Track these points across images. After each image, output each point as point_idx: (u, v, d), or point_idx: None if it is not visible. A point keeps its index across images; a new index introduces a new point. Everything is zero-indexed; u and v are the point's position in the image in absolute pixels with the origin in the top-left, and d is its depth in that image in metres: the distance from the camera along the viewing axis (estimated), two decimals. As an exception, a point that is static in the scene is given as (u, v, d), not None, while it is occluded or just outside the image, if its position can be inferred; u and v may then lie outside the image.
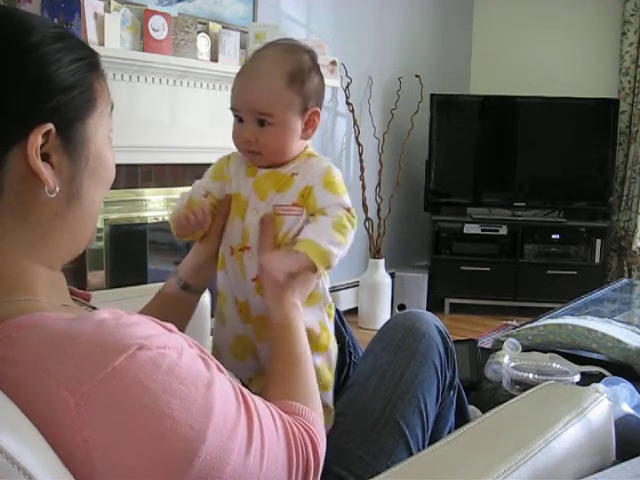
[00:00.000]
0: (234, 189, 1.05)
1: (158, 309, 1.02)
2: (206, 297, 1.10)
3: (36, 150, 0.64)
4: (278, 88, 0.98)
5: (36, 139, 0.64)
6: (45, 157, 0.66)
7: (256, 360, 1.06)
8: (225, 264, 1.04)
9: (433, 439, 1.07)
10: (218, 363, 0.69)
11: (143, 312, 0.97)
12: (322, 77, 1.04)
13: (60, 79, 0.66)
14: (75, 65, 0.68)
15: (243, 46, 2.94)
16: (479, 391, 1.60)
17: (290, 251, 0.96)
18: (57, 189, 0.67)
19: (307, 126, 1.03)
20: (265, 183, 1.01)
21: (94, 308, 0.81)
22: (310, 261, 0.95)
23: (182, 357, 0.62)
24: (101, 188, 0.74)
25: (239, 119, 1.00)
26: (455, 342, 1.45)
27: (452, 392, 1.17)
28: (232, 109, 1.01)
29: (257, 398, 0.72)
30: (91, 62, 0.71)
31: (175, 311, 1.04)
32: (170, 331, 0.66)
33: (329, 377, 1.05)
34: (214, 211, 1.06)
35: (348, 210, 1.01)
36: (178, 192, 2.51)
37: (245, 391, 0.70)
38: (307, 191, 1.00)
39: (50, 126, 0.65)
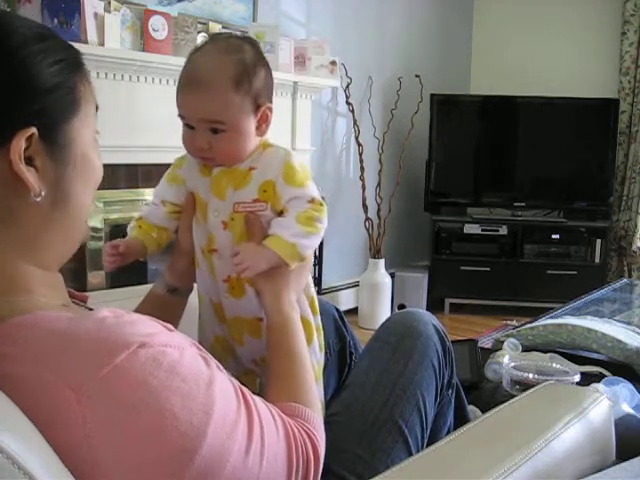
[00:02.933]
0: (190, 189, 1.02)
1: (147, 312, 1.02)
2: (195, 298, 1.10)
3: (19, 155, 0.63)
4: (226, 94, 0.93)
5: (18, 144, 0.63)
6: (29, 161, 0.65)
7: (236, 360, 1.06)
8: (199, 263, 1.03)
9: (432, 438, 1.07)
10: (217, 363, 0.69)
11: None
12: (268, 67, 0.99)
13: (42, 81, 0.65)
14: (58, 66, 0.67)
15: (243, 46, 2.93)
16: (479, 391, 1.60)
17: (257, 247, 0.95)
18: (42, 193, 0.66)
19: (260, 123, 0.99)
20: (221, 181, 0.98)
21: (91, 310, 0.81)
22: (276, 255, 0.94)
23: (183, 355, 0.63)
24: (88, 189, 0.73)
25: (189, 127, 0.96)
26: (455, 342, 1.45)
27: (451, 391, 1.18)
28: (180, 116, 0.97)
29: (257, 398, 0.72)
30: (74, 62, 0.70)
31: (164, 313, 1.04)
32: (170, 330, 0.66)
33: (316, 369, 1.04)
34: (175, 216, 1.04)
35: (312, 201, 0.97)
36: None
37: (245, 390, 0.70)
38: (269, 186, 0.97)
39: (33, 130, 0.64)
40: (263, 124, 1.00)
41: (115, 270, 1.02)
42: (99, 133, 0.75)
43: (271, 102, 1.00)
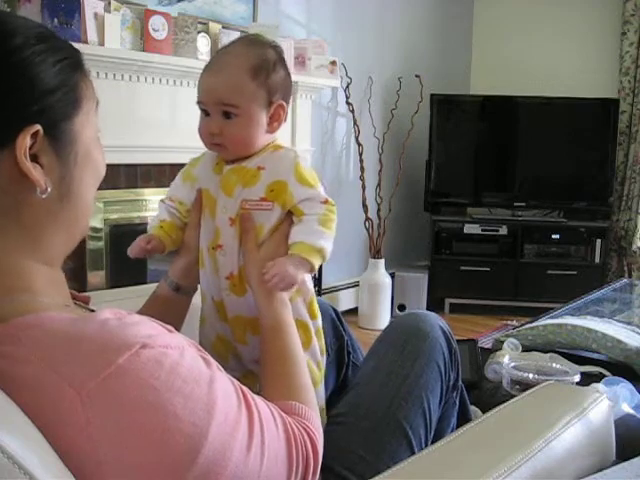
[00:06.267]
0: (202, 187, 1.05)
1: (152, 311, 1.03)
2: (198, 298, 1.10)
3: (25, 152, 0.64)
4: (242, 80, 0.98)
5: (24, 141, 0.64)
6: (34, 158, 0.66)
7: (238, 360, 1.06)
8: (204, 261, 1.05)
9: (436, 440, 1.07)
10: (217, 363, 0.69)
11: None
12: (288, 72, 1.04)
13: (45, 80, 0.66)
14: (59, 65, 0.68)
15: (243, 46, 2.93)
16: (479, 391, 1.60)
17: (290, 259, 0.96)
18: (49, 189, 0.67)
19: (272, 120, 1.02)
20: (230, 179, 1.01)
21: (92, 311, 0.81)
22: (306, 261, 0.96)
23: (184, 356, 0.63)
24: (92, 185, 0.75)
25: (205, 113, 1.01)
26: (455, 342, 1.45)
27: (455, 393, 1.17)
28: (198, 103, 1.01)
29: (257, 397, 0.73)
30: (75, 61, 0.71)
31: (168, 312, 1.05)
32: (170, 331, 0.67)
33: (316, 373, 1.04)
34: (185, 220, 1.07)
35: (325, 202, 1.01)
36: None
37: (245, 389, 0.71)
38: (279, 186, 0.99)
39: (38, 127, 0.65)
40: (275, 122, 1.03)
41: (138, 257, 1.07)
42: (101, 132, 0.76)
43: (286, 103, 1.04)
